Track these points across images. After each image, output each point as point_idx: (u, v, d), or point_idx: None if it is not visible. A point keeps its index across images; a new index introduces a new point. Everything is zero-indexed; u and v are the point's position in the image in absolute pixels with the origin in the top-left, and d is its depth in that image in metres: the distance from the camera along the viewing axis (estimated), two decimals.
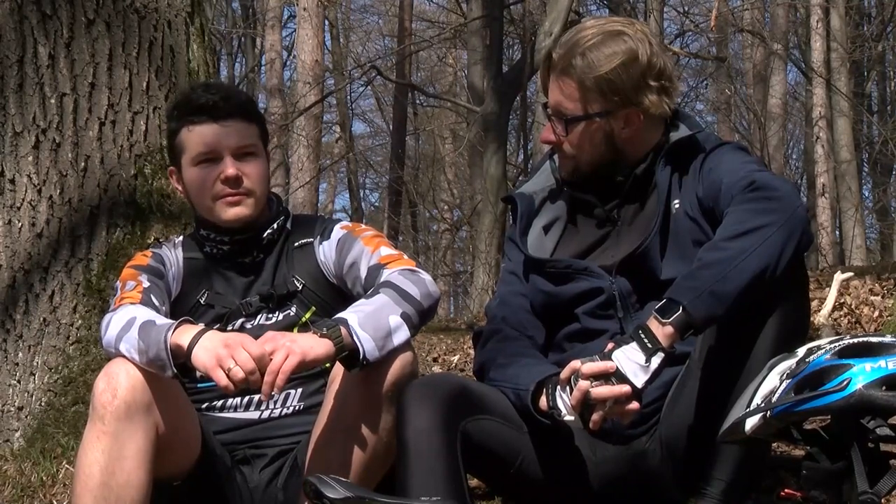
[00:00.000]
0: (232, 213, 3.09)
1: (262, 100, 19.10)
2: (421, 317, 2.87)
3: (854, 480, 2.36)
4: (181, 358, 2.75)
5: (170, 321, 2.81)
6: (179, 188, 3.18)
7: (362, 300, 2.85)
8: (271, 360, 2.69)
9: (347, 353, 2.74)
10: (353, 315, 2.77)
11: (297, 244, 3.14)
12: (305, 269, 3.12)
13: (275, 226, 3.14)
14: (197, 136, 3.09)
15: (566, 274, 2.93)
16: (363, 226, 3.19)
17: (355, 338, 2.73)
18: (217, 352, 2.70)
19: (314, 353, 2.71)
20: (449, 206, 23.36)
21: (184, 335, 2.75)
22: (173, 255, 3.15)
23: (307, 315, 3.08)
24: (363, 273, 3.01)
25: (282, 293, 3.09)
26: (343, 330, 2.74)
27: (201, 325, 2.81)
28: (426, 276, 2.93)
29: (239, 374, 2.68)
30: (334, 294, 3.10)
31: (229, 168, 3.08)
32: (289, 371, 2.68)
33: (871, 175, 22.89)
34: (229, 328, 3.07)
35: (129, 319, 2.84)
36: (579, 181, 2.99)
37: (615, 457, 2.87)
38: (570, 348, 2.92)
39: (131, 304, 2.93)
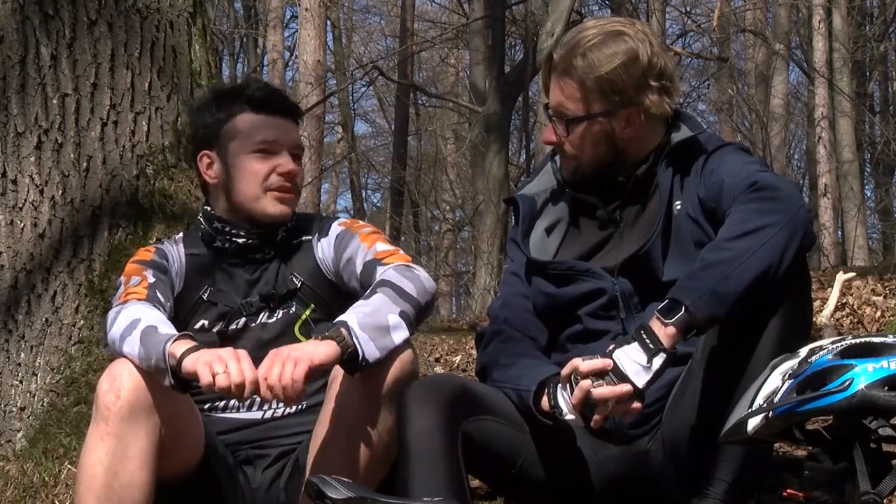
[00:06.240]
0: (280, 208, 3.09)
1: None
2: (419, 314, 2.87)
3: (856, 481, 2.36)
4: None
5: (170, 333, 2.78)
6: (210, 174, 3.12)
7: (361, 301, 2.84)
8: (268, 381, 2.66)
9: (348, 356, 2.73)
10: (353, 316, 2.77)
11: (295, 242, 3.14)
12: (304, 266, 3.12)
13: (288, 224, 3.14)
14: (260, 124, 3.08)
15: (568, 275, 2.93)
16: (361, 222, 3.19)
17: (355, 339, 2.72)
18: (208, 358, 2.68)
19: (320, 357, 2.69)
20: (451, 207, 23.34)
21: (179, 349, 2.72)
22: (175, 251, 3.14)
23: (307, 312, 3.08)
24: (359, 268, 3.01)
25: (282, 292, 3.09)
26: (343, 331, 2.73)
27: (196, 343, 2.76)
28: (422, 272, 2.93)
29: (224, 381, 2.65)
30: (333, 291, 3.09)
31: (290, 163, 3.09)
32: (301, 377, 2.66)
33: (873, 175, 22.87)
34: (232, 327, 3.07)
35: (134, 320, 2.83)
36: (581, 182, 2.99)
37: (617, 457, 2.87)
38: (572, 349, 2.92)
39: (137, 300, 2.92)
